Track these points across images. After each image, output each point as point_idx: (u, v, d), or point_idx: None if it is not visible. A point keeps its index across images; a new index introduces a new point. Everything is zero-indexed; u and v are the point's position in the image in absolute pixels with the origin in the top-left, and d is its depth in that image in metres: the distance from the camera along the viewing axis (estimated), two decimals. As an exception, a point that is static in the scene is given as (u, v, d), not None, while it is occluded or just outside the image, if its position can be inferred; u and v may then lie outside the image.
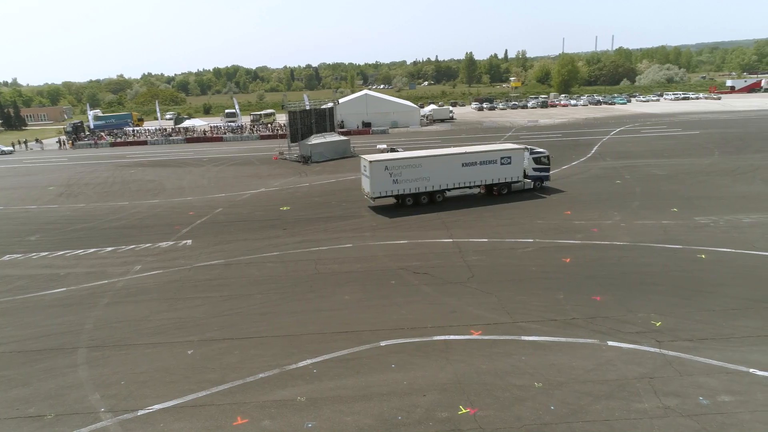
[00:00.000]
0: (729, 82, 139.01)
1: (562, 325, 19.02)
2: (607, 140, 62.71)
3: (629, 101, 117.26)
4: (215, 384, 16.16)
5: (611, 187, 39.89)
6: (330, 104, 63.86)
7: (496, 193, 38.39)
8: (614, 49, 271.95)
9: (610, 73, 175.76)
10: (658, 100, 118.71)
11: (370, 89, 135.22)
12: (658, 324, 18.70)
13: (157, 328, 20.19)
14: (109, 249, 29.86)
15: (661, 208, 33.33)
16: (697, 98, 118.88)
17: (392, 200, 36.51)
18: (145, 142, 77.50)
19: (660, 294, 21.22)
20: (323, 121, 59.93)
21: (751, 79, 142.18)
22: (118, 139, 79.33)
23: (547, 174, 40.34)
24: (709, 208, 32.64)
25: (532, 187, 39.54)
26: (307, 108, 61.69)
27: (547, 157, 40.29)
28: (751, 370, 15.71)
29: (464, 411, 14.37)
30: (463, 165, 36.82)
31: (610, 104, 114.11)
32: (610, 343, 17.56)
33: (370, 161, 35.10)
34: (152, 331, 19.97)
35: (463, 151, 37.92)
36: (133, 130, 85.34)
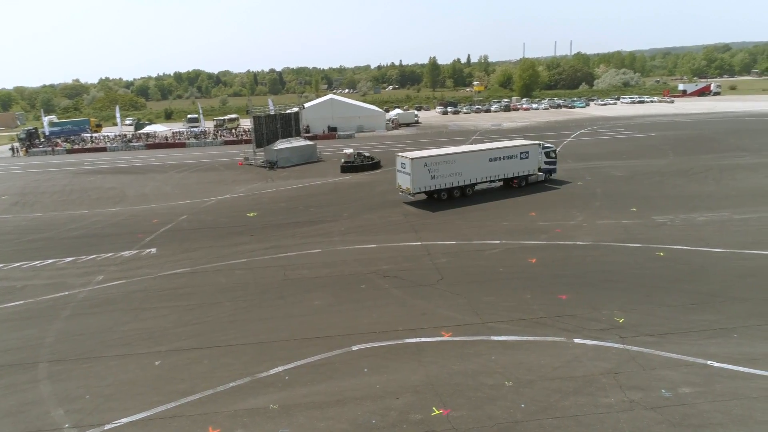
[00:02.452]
0: (681, 86, 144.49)
1: (530, 324, 19.42)
2: (569, 143, 64.32)
3: (588, 105, 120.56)
4: (184, 395, 15.84)
5: (573, 188, 40.97)
6: (295, 109, 63.46)
7: (515, 185, 41.37)
8: (573, 54, 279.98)
9: (570, 77, 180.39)
10: (615, 104, 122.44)
11: (335, 94, 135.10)
12: (621, 320, 19.31)
13: (123, 339, 19.66)
14: (69, 259, 28.90)
15: (621, 208, 34.42)
16: (652, 102, 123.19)
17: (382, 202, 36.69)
18: (104, 149, 75.27)
19: (622, 291, 21.92)
20: (289, 125, 59.52)
21: (702, 83, 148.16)
22: (76, 146, 76.80)
23: (555, 167, 43.64)
24: (666, 208, 33.88)
25: (543, 179, 42.82)
26: (272, 113, 61.17)
27: (555, 151, 43.84)
28: (708, 362, 16.38)
29: (437, 412, 14.51)
30: (489, 160, 39.54)
31: (570, 108, 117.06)
32: (576, 340, 18.03)
33: (411, 158, 36.34)
34: (117, 342, 19.43)
35: (490, 147, 41.25)
36: (92, 137, 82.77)
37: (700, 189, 38.90)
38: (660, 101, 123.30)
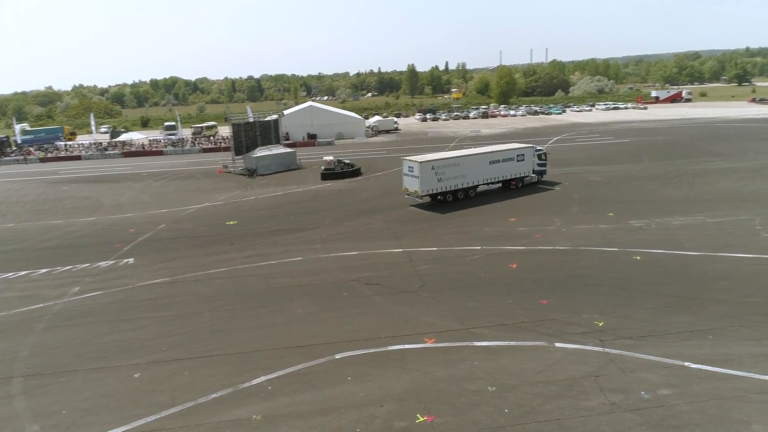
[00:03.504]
0: (654, 93, 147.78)
1: (512, 329, 19.58)
2: (546, 148, 65.06)
3: (564, 111, 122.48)
4: (165, 407, 15.58)
5: (552, 193, 41.53)
6: (275, 116, 63.20)
7: (513, 187, 42.97)
8: (548, 61, 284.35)
9: (546, 84, 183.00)
10: (590, 110, 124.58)
11: (314, 101, 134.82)
12: (600, 324, 19.60)
13: (100, 352, 19.26)
14: (43, 271, 28.24)
15: (598, 212, 34.99)
16: (626, 108, 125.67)
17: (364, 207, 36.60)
18: (79, 157, 73.82)
19: (601, 295, 22.26)
20: (268, 133, 59.23)
21: (673, 90, 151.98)
22: (49, 154, 75.18)
23: (545, 169, 45.69)
24: (642, 212, 34.54)
25: (536, 180, 44.52)
26: (252, 120, 60.81)
27: (546, 154, 45.98)
28: (686, 363, 16.72)
29: (422, 419, 14.52)
30: (490, 163, 41.07)
31: (547, 114, 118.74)
32: (557, 344, 18.24)
33: (420, 162, 37.23)
34: (95, 355, 19.03)
35: (490, 150, 42.57)
36: (66, 145, 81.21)
37: (674, 193, 39.77)
38: (634, 108, 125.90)
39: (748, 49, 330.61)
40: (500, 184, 43.11)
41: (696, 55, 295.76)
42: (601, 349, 17.80)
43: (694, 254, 26.55)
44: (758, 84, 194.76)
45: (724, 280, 23.34)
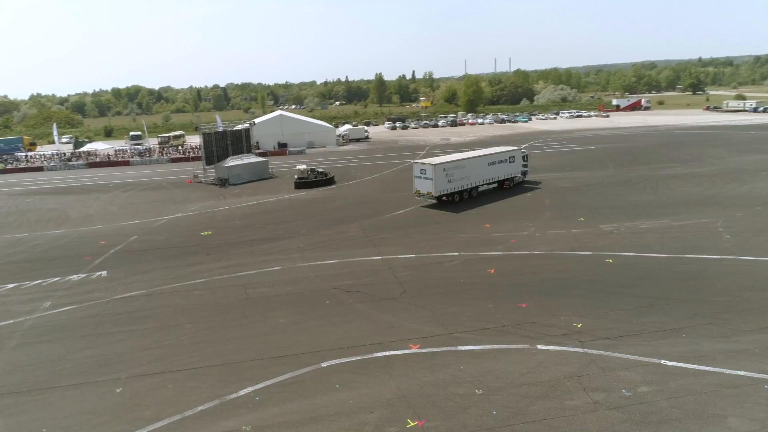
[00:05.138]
0: (615, 101, 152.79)
1: (494, 332, 19.95)
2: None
3: (530, 119, 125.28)
4: (151, 421, 15.29)
5: (523, 199, 42.44)
6: (246, 125, 62.68)
7: (506, 187, 45.97)
8: (512, 70, 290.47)
9: (511, 93, 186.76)
10: (555, 118, 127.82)
11: (282, 110, 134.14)
12: (579, 326, 20.16)
13: (78, 367, 18.75)
14: (11, 285, 27.27)
15: (569, 217, 35.94)
16: (589, 116, 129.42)
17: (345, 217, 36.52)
18: (41, 168, 71.47)
19: (577, 297, 22.89)
20: (240, 142, 58.67)
21: (633, 99, 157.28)
22: (9, 166, 72.63)
23: (528, 169, 49.04)
24: (611, 217, 35.65)
25: (521, 180, 47.77)
26: (221, 129, 60.14)
27: (528, 156, 49.48)
28: (662, 361, 17.36)
29: (412, 424, 14.67)
30: (488, 164, 43.85)
31: (514, 122, 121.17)
32: (539, 346, 18.68)
33: (434, 165, 39.34)
34: (72, 371, 18.51)
35: (488, 152, 45.59)
36: (27, 155, 78.59)
37: (639, 198, 41.17)
38: (596, 115, 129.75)
39: (700, 59, 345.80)
40: (496, 185, 45.71)
41: (652, 65, 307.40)
42: (581, 350, 18.32)
43: (662, 256, 27.56)
44: (711, 93, 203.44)
45: (693, 280, 24.32)
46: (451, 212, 39.01)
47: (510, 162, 45.85)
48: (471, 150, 51.74)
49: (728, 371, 16.58)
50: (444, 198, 40.95)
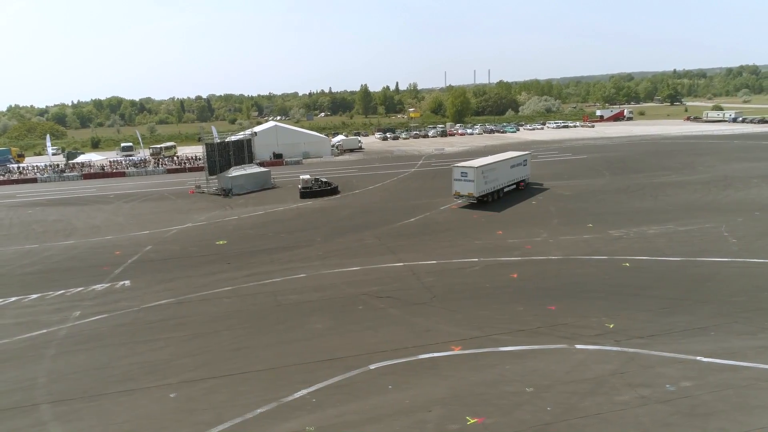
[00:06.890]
0: (598, 112, 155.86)
1: (530, 334, 20.61)
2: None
3: (518, 130, 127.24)
4: (213, 425, 15.55)
5: (528, 207, 43.43)
6: (248, 134, 62.85)
7: (522, 188, 50.00)
8: (492, 81, 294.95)
9: (495, 104, 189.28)
10: (542, 128, 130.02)
11: (267, 120, 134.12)
12: (611, 326, 20.93)
13: (125, 374, 18.88)
14: (35, 296, 27.12)
15: (577, 224, 36.93)
16: (575, 126, 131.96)
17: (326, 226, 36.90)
18: (34, 180, 70.39)
19: (601, 300, 23.70)
20: (241, 152, 58.87)
21: (616, 109, 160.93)
22: (2, 177, 71.46)
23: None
24: (617, 223, 36.74)
25: (528, 181, 52.08)
26: (217, 140, 60.16)
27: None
28: (697, 357, 18.19)
29: (472, 421, 15.18)
30: (510, 167, 47.93)
31: (502, 132, 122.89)
32: (578, 346, 19.39)
33: (475, 167, 42.66)
34: (120, 378, 18.64)
35: (509, 156, 49.69)
36: (19, 167, 77.43)
37: (641, 205, 42.44)
38: (582, 126, 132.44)
39: (675, 71, 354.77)
40: (515, 186, 49.07)
41: (629, 77, 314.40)
42: (618, 348, 19.07)
43: (675, 260, 28.60)
44: (689, 104, 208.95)
45: (708, 282, 25.34)
46: (460, 220, 39.76)
47: (524, 165, 50.42)
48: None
49: (762, 366, 17.44)
50: (483, 198, 43.58)
